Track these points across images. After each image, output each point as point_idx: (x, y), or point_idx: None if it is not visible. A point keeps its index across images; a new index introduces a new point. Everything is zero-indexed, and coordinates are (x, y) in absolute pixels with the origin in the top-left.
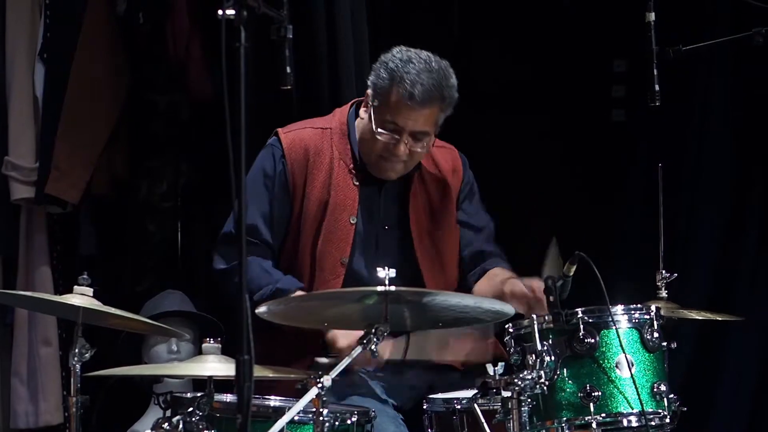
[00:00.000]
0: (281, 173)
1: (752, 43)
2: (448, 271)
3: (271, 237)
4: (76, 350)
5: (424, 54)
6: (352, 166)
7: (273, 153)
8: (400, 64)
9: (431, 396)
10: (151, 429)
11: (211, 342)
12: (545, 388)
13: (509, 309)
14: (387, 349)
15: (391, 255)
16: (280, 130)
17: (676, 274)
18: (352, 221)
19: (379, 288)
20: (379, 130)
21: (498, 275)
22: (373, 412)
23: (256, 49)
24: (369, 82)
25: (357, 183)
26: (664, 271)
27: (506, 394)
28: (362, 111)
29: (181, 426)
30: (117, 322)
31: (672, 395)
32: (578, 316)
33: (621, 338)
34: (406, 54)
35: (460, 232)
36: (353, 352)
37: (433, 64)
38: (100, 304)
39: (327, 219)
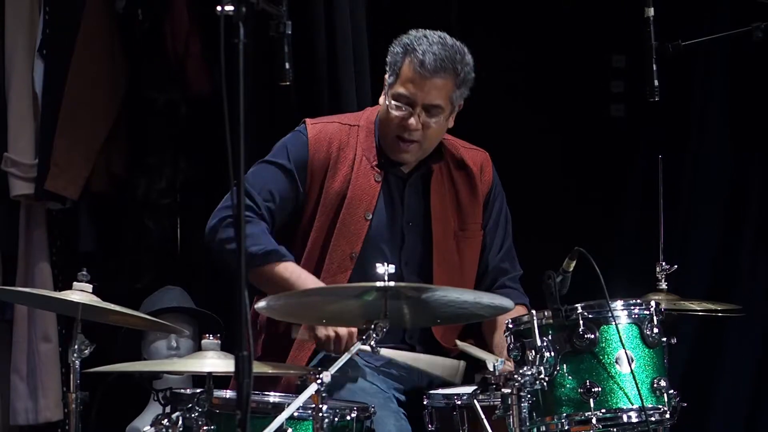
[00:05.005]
0: (302, 162)
1: (751, 38)
2: (465, 275)
3: (270, 216)
4: (76, 346)
5: (441, 33)
6: (375, 163)
7: (297, 140)
8: (414, 38)
9: (431, 392)
10: (151, 425)
11: (211, 338)
12: (545, 383)
13: (508, 303)
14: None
15: (415, 253)
16: (308, 120)
17: (676, 266)
18: (367, 217)
19: (378, 283)
20: (393, 103)
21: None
22: (372, 407)
23: (255, 45)
24: (386, 65)
25: (379, 180)
26: (664, 263)
27: (506, 390)
28: (381, 98)
29: (180, 422)
30: (116, 319)
31: (672, 390)
32: (578, 311)
33: (621, 334)
34: (422, 32)
35: (483, 238)
36: (353, 347)
37: (448, 40)
38: (99, 300)
39: (342, 213)
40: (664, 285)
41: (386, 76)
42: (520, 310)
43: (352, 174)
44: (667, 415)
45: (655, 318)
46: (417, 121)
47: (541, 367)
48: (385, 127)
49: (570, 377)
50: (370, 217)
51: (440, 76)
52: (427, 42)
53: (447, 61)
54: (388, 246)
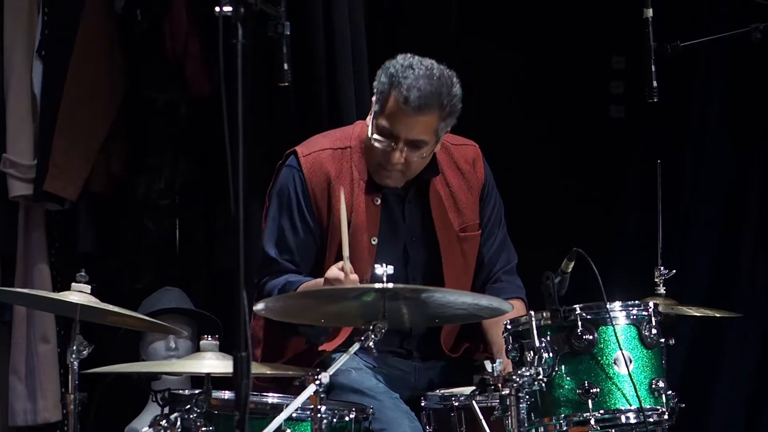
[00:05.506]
0: (306, 201)
1: (750, 40)
2: (470, 273)
3: (302, 263)
4: (74, 347)
5: (428, 62)
6: (373, 185)
7: (294, 178)
8: (400, 69)
9: (429, 393)
10: (149, 426)
11: (209, 339)
12: (543, 384)
13: (507, 306)
14: None
15: (420, 266)
16: (298, 150)
17: (674, 271)
18: (373, 242)
19: (377, 285)
20: (375, 136)
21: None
22: (371, 408)
23: (254, 46)
24: (374, 88)
25: (378, 203)
26: (662, 268)
27: (504, 390)
28: (369, 118)
29: (179, 423)
30: (115, 320)
31: (670, 391)
32: (576, 312)
33: (619, 335)
34: (409, 60)
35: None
36: (351, 348)
37: (435, 71)
38: (98, 301)
39: (349, 241)
40: (662, 290)
41: (373, 99)
42: (516, 305)
43: (352, 200)
44: (666, 416)
45: (653, 319)
46: (400, 156)
47: (540, 368)
48: (370, 152)
49: (568, 378)
50: (376, 241)
51: (424, 114)
52: (414, 75)
53: (432, 97)
54: (394, 265)
